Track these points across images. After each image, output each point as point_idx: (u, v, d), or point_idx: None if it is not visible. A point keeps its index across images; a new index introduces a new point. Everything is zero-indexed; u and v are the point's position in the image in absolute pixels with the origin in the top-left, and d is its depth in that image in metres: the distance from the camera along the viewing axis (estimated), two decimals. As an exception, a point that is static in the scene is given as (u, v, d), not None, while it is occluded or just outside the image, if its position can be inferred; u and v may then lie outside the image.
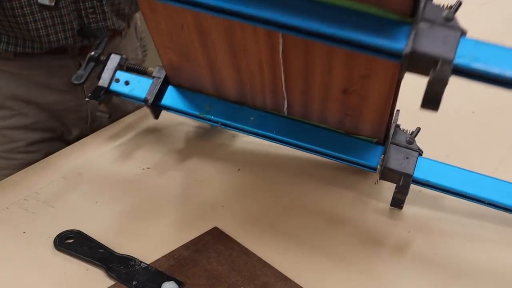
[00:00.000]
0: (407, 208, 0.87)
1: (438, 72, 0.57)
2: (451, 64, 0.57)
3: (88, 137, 1.00)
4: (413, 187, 0.83)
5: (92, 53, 0.91)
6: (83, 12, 1.01)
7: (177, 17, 0.76)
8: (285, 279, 0.75)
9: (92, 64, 0.91)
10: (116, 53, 0.92)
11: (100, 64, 0.92)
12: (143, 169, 0.93)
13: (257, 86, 0.83)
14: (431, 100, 0.60)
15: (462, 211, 0.86)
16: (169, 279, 0.74)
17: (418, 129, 0.82)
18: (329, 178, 0.91)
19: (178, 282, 0.74)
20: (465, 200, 0.82)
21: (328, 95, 0.79)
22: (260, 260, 0.77)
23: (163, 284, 0.74)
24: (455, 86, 1.15)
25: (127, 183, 0.91)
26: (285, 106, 0.85)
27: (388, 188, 0.89)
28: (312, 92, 0.79)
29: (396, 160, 0.80)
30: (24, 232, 0.82)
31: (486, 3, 1.44)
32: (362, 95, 0.76)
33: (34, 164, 0.95)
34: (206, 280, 0.75)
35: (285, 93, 0.82)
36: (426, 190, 0.88)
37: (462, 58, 0.59)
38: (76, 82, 0.89)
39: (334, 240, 0.82)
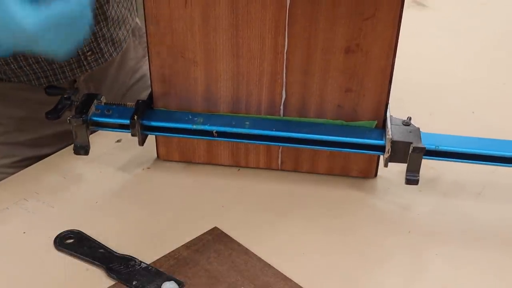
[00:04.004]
0: (407, 208, 0.87)
1: None
2: None
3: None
4: (412, 187, 0.83)
5: (65, 96, 0.87)
6: (82, 57, 1.00)
7: None
8: (285, 279, 0.75)
9: (66, 103, 0.86)
10: (91, 93, 0.89)
11: (74, 103, 0.87)
12: (143, 169, 0.93)
13: (254, 76, 0.84)
14: None
15: (462, 211, 0.86)
16: (169, 279, 0.74)
17: (409, 118, 0.84)
18: (329, 179, 0.91)
19: (178, 282, 0.74)
20: (475, 164, 0.83)
21: (329, 63, 0.81)
22: (260, 260, 0.77)
23: (163, 284, 0.74)
24: (455, 86, 1.16)
25: (127, 183, 0.91)
26: (283, 99, 0.85)
27: (388, 188, 0.89)
28: (313, 64, 0.81)
29: (401, 134, 0.82)
30: (24, 232, 0.82)
31: (486, 3, 1.44)
32: (365, 50, 0.79)
33: (34, 164, 0.95)
34: (206, 280, 0.75)
35: (284, 76, 0.83)
36: (426, 190, 0.88)
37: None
38: (49, 116, 0.85)
39: (334, 240, 0.82)
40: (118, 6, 1.03)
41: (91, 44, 1.00)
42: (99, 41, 1.01)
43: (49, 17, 0.62)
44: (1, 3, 0.59)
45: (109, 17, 1.00)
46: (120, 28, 1.05)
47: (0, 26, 0.60)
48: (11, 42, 0.63)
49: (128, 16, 1.08)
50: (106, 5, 0.98)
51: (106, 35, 1.02)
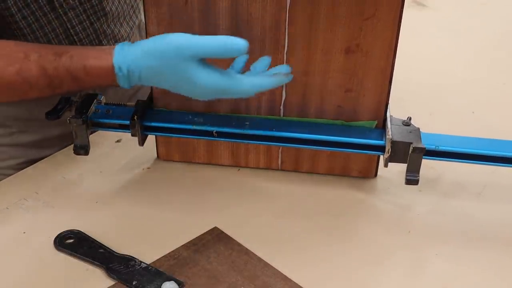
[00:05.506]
0: (407, 208, 0.87)
1: None
2: None
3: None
4: (412, 187, 0.83)
5: (65, 96, 0.87)
6: None
7: None
8: (285, 279, 0.75)
9: (66, 103, 0.86)
10: (91, 93, 0.89)
11: (74, 104, 0.87)
12: (143, 169, 0.93)
13: None
14: None
15: (462, 211, 0.86)
16: (169, 279, 0.74)
17: (409, 118, 0.84)
18: (329, 179, 0.91)
19: (178, 282, 0.74)
20: (475, 164, 0.83)
21: (329, 63, 0.81)
22: (260, 260, 0.77)
23: (163, 284, 0.74)
24: (455, 86, 1.16)
25: (127, 183, 0.91)
26: (283, 99, 0.85)
27: (388, 188, 0.89)
28: (313, 64, 0.81)
29: (401, 134, 0.82)
30: (24, 232, 0.82)
31: (486, 3, 1.44)
32: (365, 50, 0.79)
33: (34, 164, 0.95)
34: (206, 280, 0.75)
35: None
36: (426, 190, 0.88)
37: None
38: (49, 116, 0.85)
39: (334, 240, 0.82)
40: (119, 2, 1.02)
41: (93, 42, 0.99)
42: (101, 38, 1.00)
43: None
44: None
45: (108, 12, 1.00)
46: (121, 25, 1.05)
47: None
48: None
49: (131, 13, 1.08)
50: (105, 1, 0.98)
51: (107, 31, 1.01)
